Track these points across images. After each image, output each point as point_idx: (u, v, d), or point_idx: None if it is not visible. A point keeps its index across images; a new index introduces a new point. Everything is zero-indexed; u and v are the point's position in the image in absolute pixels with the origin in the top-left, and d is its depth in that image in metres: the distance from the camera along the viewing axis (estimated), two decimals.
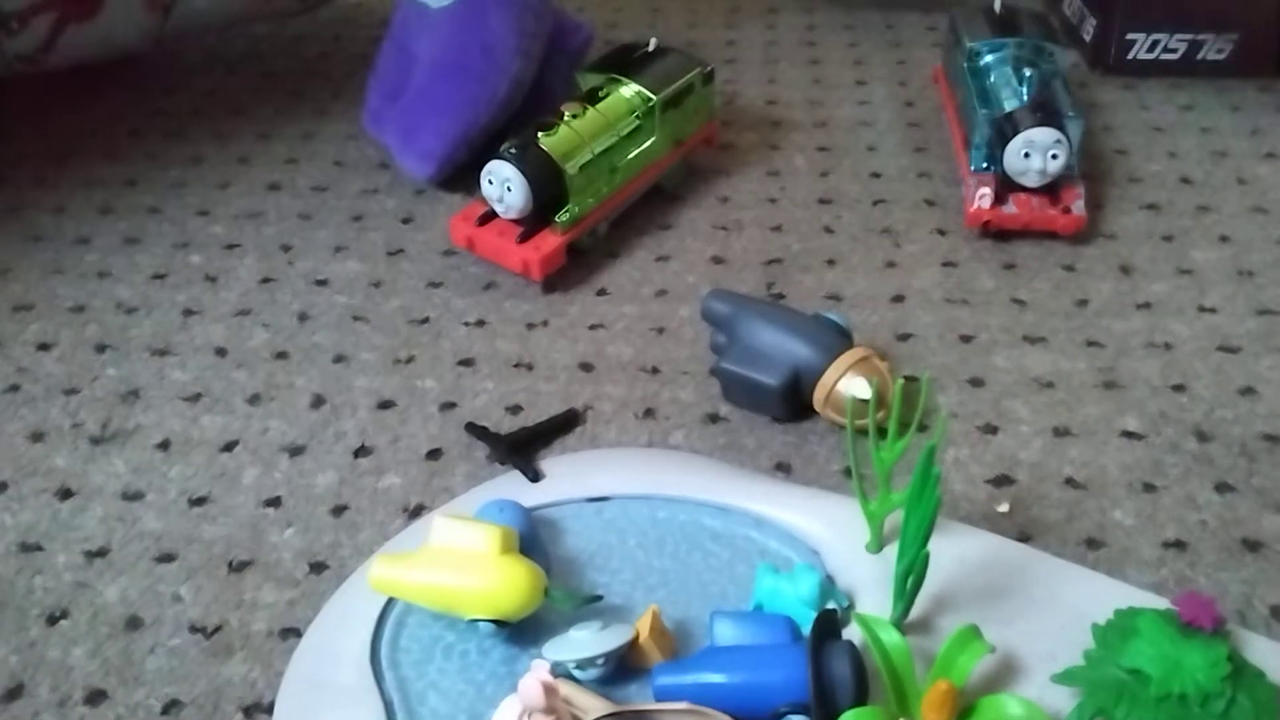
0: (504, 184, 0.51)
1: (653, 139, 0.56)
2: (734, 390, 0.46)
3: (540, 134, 0.52)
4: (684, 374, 0.48)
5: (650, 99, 0.55)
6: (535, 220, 0.52)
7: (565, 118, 0.54)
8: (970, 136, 0.57)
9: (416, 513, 0.42)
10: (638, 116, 0.55)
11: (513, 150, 0.51)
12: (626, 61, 0.58)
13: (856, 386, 0.43)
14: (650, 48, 0.58)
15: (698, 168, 0.62)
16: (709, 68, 0.58)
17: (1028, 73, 0.57)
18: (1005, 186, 0.55)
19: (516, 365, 0.49)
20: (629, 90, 0.56)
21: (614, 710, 0.31)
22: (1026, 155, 0.53)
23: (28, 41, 0.62)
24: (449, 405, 0.47)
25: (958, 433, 0.45)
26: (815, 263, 0.55)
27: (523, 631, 0.35)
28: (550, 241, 0.52)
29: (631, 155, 0.55)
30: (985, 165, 0.56)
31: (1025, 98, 0.56)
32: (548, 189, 0.52)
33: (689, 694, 0.31)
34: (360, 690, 0.34)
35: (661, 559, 0.37)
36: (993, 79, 0.59)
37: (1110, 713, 0.30)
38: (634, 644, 0.33)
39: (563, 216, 0.52)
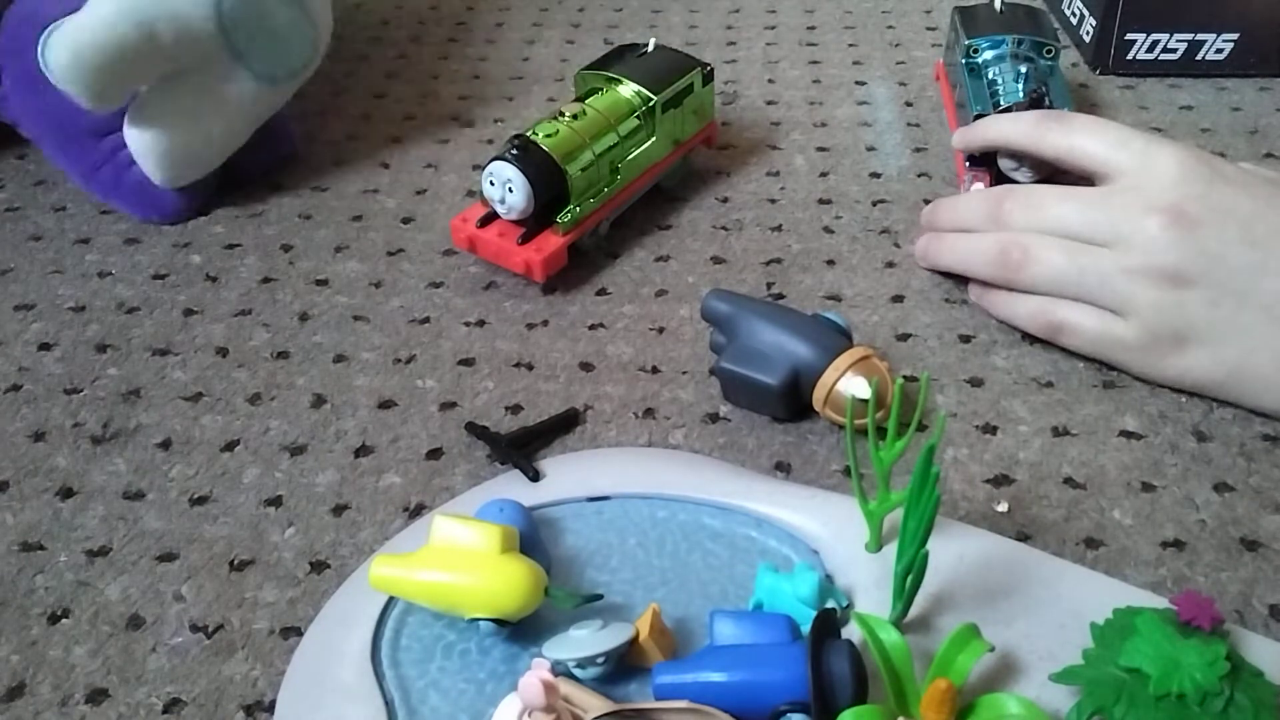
0: (505, 185, 0.51)
1: (653, 139, 0.56)
2: (734, 390, 0.46)
3: (541, 134, 0.52)
4: (684, 374, 0.49)
5: (650, 99, 0.55)
6: (537, 221, 0.52)
7: (565, 118, 0.54)
8: None
9: (417, 512, 0.42)
10: (638, 117, 0.56)
11: (514, 151, 0.51)
12: (626, 62, 0.58)
13: (856, 386, 0.43)
14: (649, 48, 0.59)
15: (698, 168, 0.62)
16: (709, 68, 0.58)
17: (1024, 69, 0.58)
18: (1000, 183, 0.55)
19: (516, 365, 0.49)
20: (628, 90, 0.56)
21: (614, 709, 0.31)
22: (1016, 155, 0.53)
23: None
24: (449, 405, 0.47)
25: (957, 432, 0.45)
26: (815, 263, 0.55)
27: (523, 630, 0.35)
28: (552, 242, 0.52)
29: (632, 156, 0.55)
30: (979, 161, 0.56)
31: (1020, 95, 0.57)
32: (549, 190, 0.52)
33: (689, 692, 0.31)
34: (361, 689, 0.34)
35: (661, 558, 0.38)
36: (989, 76, 0.59)
37: (1109, 711, 0.30)
38: (634, 643, 0.33)
39: (564, 217, 0.52)
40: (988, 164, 0.56)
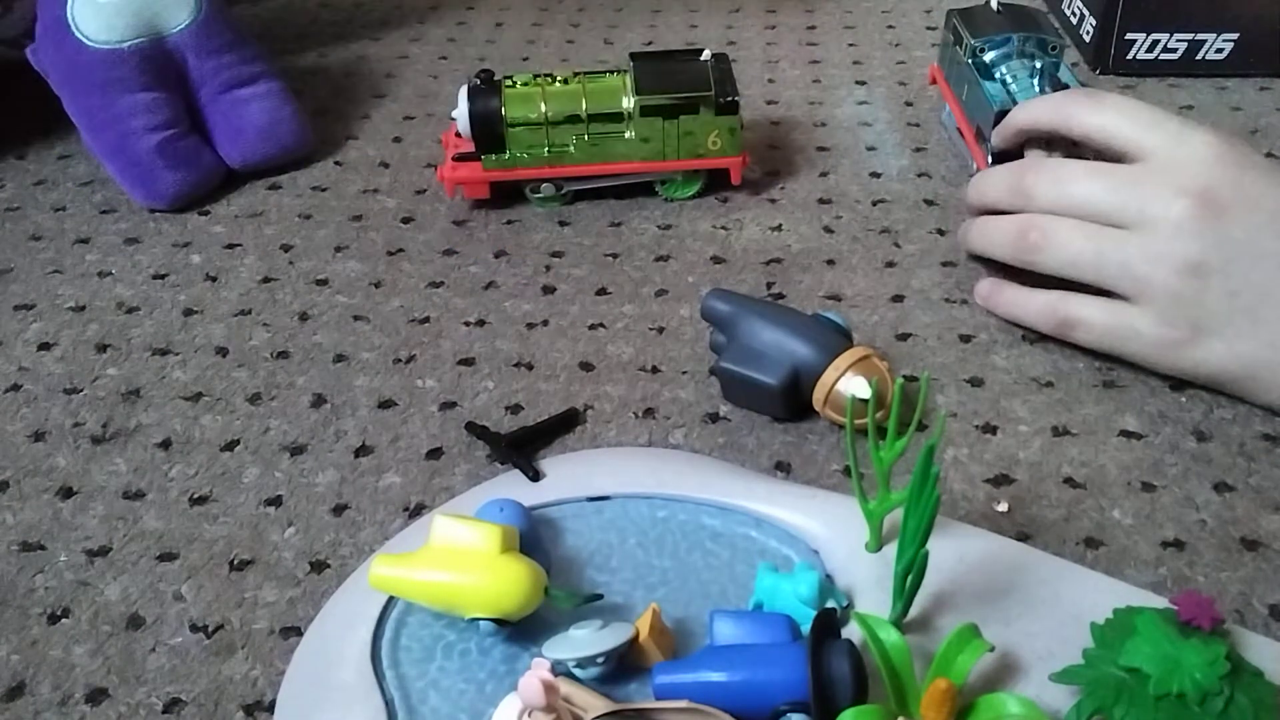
0: (463, 103, 0.56)
1: (629, 136, 0.57)
2: (734, 390, 0.46)
3: (513, 81, 0.57)
4: (684, 374, 0.48)
5: (633, 99, 0.56)
6: (480, 154, 0.58)
7: (546, 79, 0.57)
8: (985, 130, 0.57)
9: (417, 512, 0.42)
10: (616, 112, 0.57)
11: (478, 79, 0.56)
12: (658, 60, 0.58)
13: (856, 386, 0.43)
14: (705, 56, 0.58)
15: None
16: (730, 99, 0.56)
17: (1039, 64, 0.57)
18: None
19: (516, 365, 0.49)
20: (623, 83, 0.57)
21: (614, 709, 0.31)
22: (1046, 143, 0.53)
23: (13, 26, 0.63)
24: (449, 405, 0.47)
25: (957, 432, 0.45)
26: (815, 263, 0.55)
27: (523, 630, 0.35)
28: (473, 170, 0.58)
29: (596, 141, 0.57)
30: (1004, 159, 0.55)
31: (1038, 88, 0.56)
32: (486, 125, 0.56)
33: (689, 692, 0.31)
34: (361, 689, 0.34)
35: (661, 558, 0.38)
36: (1002, 72, 0.58)
37: (1109, 711, 0.30)
38: (634, 643, 0.33)
39: (489, 157, 0.57)
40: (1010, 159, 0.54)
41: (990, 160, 0.56)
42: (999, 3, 0.62)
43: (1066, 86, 0.56)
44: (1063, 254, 0.46)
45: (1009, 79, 0.58)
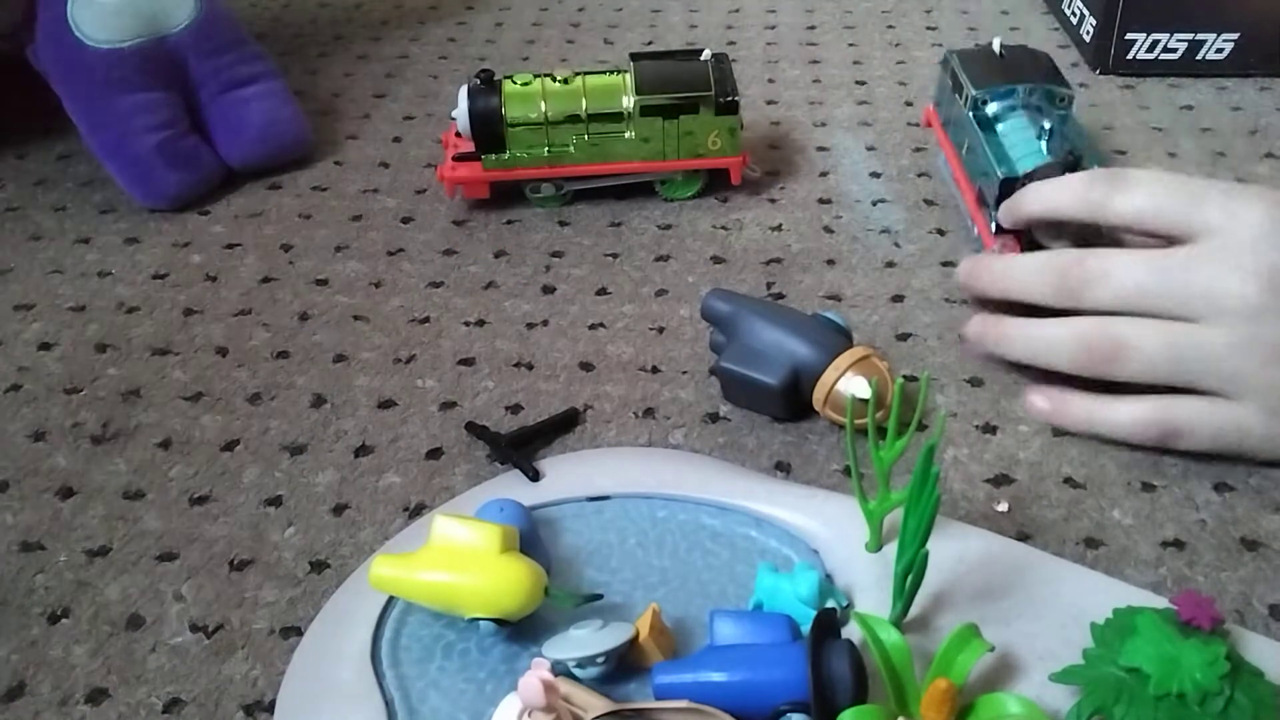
0: (462, 103, 0.56)
1: (630, 136, 0.57)
2: (733, 390, 0.46)
3: (513, 80, 0.57)
4: (684, 374, 0.48)
5: (633, 99, 0.56)
6: (480, 153, 0.58)
7: (547, 78, 0.57)
8: (988, 197, 0.53)
9: (417, 512, 0.42)
10: (615, 112, 0.56)
11: (478, 79, 0.56)
12: (661, 60, 0.58)
13: (856, 386, 0.43)
14: (705, 55, 0.58)
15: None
16: (730, 99, 0.56)
17: (1047, 125, 0.52)
18: (1032, 248, 0.50)
19: (516, 365, 0.49)
20: (624, 83, 0.57)
21: (614, 708, 0.31)
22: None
23: (6, 18, 0.63)
24: (449, 405, 0.47)
25: (957, 432, 0.45)
26: (815, 263, 0.55)
27: (523, 630, 0.35)
28: (473, 170, 0.58)
29: (596, 141, 0.57)
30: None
31: (1045, 153, 0.51)
32: (487, 126, 0.56)
33: (689, 692, 0.31)
34: (361, 688, 0.34)
35: (661, 558, 0.38)
36: (1006, 132, 0.53)
37: (1109, 711, 0.30)
38: (634, 643, 0.33)
39: (489, 157, 0.57)
40: (1016, 230, 0.51)
41: (995, 231, 0.52)
42: (1002, 45, 0.57)
43: (1077, 153, 0.51)
44: (1138, 360, 0.42)
45: (1011, 136, 0.53)
